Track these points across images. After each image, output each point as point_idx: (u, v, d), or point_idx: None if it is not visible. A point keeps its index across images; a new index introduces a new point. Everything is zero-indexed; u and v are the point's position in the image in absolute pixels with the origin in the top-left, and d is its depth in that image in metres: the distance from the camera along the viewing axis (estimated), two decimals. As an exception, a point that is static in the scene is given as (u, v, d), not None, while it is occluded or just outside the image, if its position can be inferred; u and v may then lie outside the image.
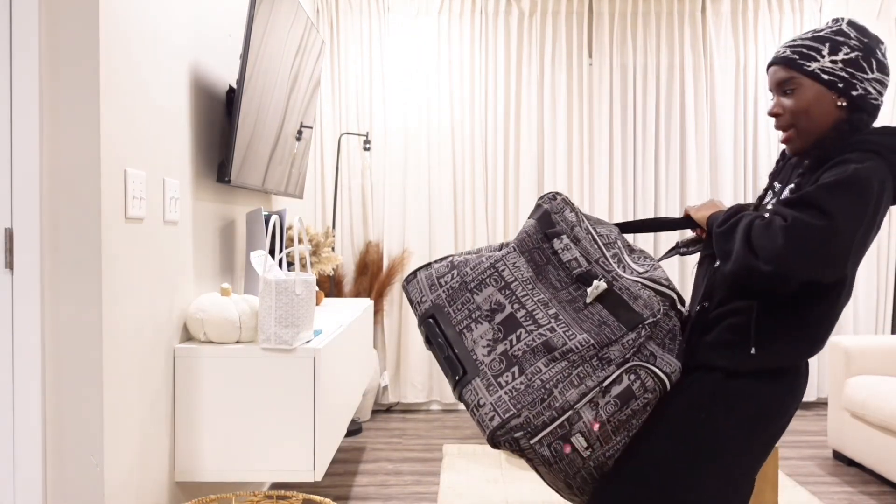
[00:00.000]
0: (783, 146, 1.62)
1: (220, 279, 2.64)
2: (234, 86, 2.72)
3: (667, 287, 1.46)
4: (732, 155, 4.70)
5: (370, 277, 4.56)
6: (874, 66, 1.45)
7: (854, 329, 4.78)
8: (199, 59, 2.39)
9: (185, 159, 2.27)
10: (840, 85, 1.44)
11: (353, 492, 3.21)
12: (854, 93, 1.44)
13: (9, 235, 1.68)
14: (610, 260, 1.47)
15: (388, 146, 4.64)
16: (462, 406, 4.74)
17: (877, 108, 1.47)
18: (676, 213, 4.71)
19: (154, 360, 2.04)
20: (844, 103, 1.45)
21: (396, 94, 4.63)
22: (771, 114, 1.51)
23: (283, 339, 2.14)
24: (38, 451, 1.71)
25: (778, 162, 1.64)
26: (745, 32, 4.71)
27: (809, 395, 4.72)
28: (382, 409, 4.70)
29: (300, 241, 3.24)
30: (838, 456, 3.66)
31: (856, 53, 1.44)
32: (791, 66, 1.47)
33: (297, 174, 3.38)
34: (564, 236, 1.50)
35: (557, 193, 1.57)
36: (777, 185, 1.58)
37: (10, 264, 1.69)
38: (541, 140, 4.68)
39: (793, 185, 1.49)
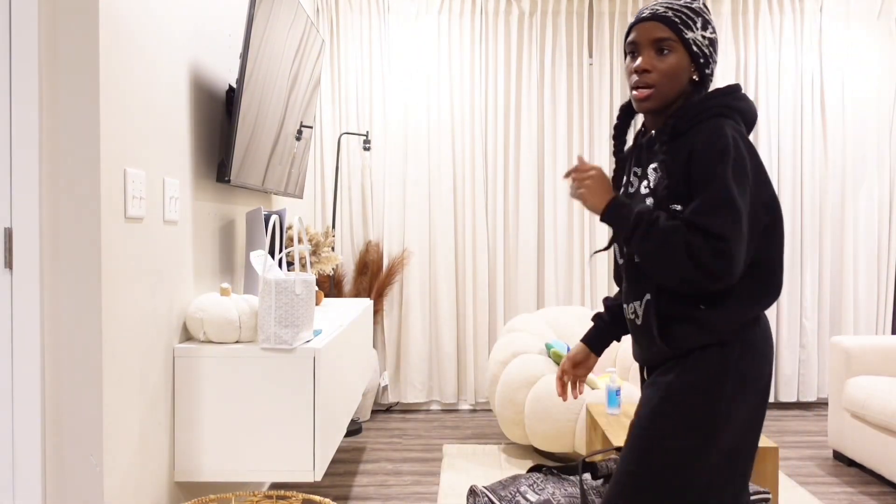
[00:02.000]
0: (640, 131, 1.59)
1: (220, 279, 2.64)
2: (234, 85, 2.72)
3: None
4: (732, 155, 4.69)
5: (370, 277, 4.56)
6: (717, 52, 1.53)
7: (854, 329, 4.78)
8: (199, 58, 2.39)
9: (185, 159, 2.27)
10: (701, 60, 1.48)
11: (353, 492, 3.21)
12: (707, 70, 1.50)
13: (8, 235, 1.68)
14: None
15: (388, 146, 4.64)
16: (462, 406, 4.75)
17: (708, 90, 1.53)
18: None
19: (154, 360, 2.04)
20: (696, 78, 1.50)
21: (396, 94, 4.63)
22: (639, 69, 1.47)
23: (283, 339, 2.14)
24: (38, 450, 1.70)
25: (616, 144, 1.64)
26: (745, 32, 4.71)
27: (809, 396, 4.72)
28: (382, 409, 4.70)
29: (300, 240, 3.24)
30: (838, 456, 3.65)
31: (715, 36, 1.51)
32: (672, 28, 1.46)
33: (297, 174, 3.38)
34: None
35: (473, 487, 1.98)
36: (637, 169, 1.57)
37: (9, 264, 1.68)
38: (541, 140, 4.68)
39: (656, 165, 1.48)
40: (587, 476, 2.09)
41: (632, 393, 3.35)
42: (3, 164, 1.67)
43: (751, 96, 4.70)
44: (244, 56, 2.34)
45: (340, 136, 4.49)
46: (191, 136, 2.32)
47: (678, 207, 1.43)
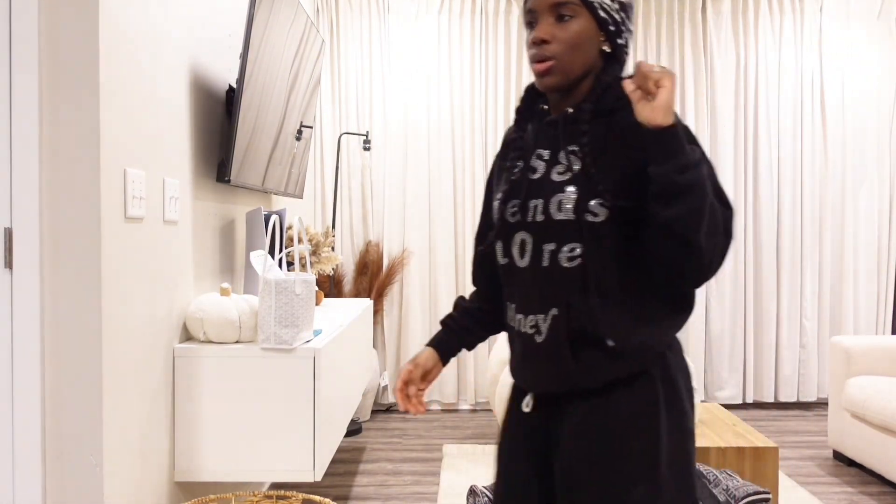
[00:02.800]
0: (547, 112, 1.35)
1: (220, 279, 2.64)
2: (234, 85, 2.72)
3: None
4: (732, 155, 4.70)
5: (370, 277, 4.56)
6: (633, 20, 1.32)
7: (854, 329, 4.78)
8: (199, 58, 2.39)
9: (185, 159, 2.27)
10: (611, 27, 1.26)
11: (353, 492, 3.21)
12: (619, 40, 1.28)
13: (8, 235, 1.68)
14: None
15: (388, 146, 4.64)
16: (462, 406, 4.74)
17: (624, 65, 1.30)
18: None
19: (154, 360, 2.04)
20: (608, 49, 1.27)
21: (396, 94, 4.63)
22: (538, 40, 1.25)
23: (283, 339, 2.14)
24: (38, 450, 1.70)
25: (517, 127, 1.39)
26: (745, 32, 4.71)
27: (809, 396, 4.72)
28: (382, 409, 4.70)
29: (300, 240, 3.24)
30: (838, 456, 3.65)
31: (628, 0, 1.30)
32: None
33: (297, 174, 3.38)
34: None
35: (473, 487, 1.93)
36: (543, 151, 1.31)
37: (9, 264, 1.68)
38: (541, 140, 4.68)
39: (576, 148, 1.25)
40: None
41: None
42: (3, 164, 1.67)
43: (751, 96, 4.71)
44: (244, 56, 2.34)
45: (340, 136, 4.49)
46: (191, 136, 2.32)
47: (601, 203, 1.21)
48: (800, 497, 3.13)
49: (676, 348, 1.31)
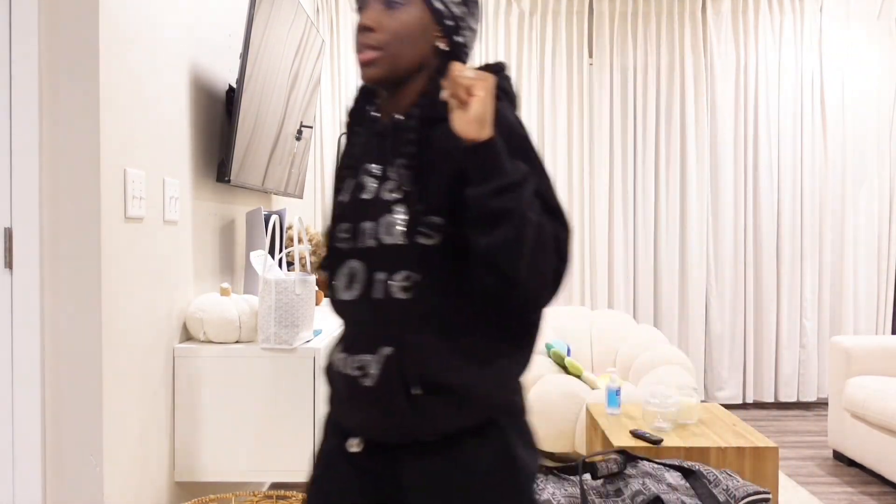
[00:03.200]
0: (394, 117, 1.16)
1: (220, 279, 2.64)
2: (234, 85, 2.72)
3: None
4: (732, 155, 4.70)
5: (370, 277, 4.56)
6: (477, 18, 1.17)
7: (854, 329, 4.78)
8: (198, 58, 2.39)
9: (185, 159, 2.27)
10: (448, 22, 1.12)
11: (352, 492, 3.20)
12: (457, 38, 1.14)
13: (8, 235, 1.68)
14: None
15: (388, 146, 4.63)
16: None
17: None
18: (676, 213, 4.71)
19: (154, 360, 2.04)
20: (445, 47, 1.13)
21: (396, 94, 4.63)
22: (362, 27, 1.10)
23: (283, 339, 2.14)
24: (38, 450, 1.70)
25: (349, 136, 1.23)
26: (745, 32, 4.71)
27: (809, 396, 4.72)
28: (382, 409, 4.69)
29: (300, 240, 3.24)
30: (838, 456, 3.65)
31: None
32: None
33: (297, 174, 3.38)
34: None
35: None
36: (373, 166, 1.14)
37: (9, 264, 1.68)
38: (541, 140, 4.68)
39: (405, 161, 1.10)
40: (587, 476, 2.09)
41: (631, 393, 3.35)
42: (4, 164, 1.67)
43: (751, 96, 4.71)
44: (244, 56, 2.34)
45: (340, 136, 4.49)
46: (191, 136, 2.32)
47: (432, 225, 1.07)
48: (800, 497, 3.13)
49: (521, 392, 1.15)
